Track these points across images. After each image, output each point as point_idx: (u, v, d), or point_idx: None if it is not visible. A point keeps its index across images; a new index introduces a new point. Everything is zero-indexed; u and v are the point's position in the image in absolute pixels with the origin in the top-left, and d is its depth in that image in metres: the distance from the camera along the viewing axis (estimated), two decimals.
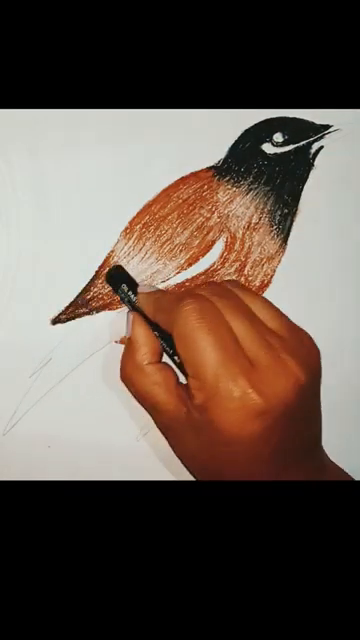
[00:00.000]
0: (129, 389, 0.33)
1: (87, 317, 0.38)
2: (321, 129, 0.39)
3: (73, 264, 0.38)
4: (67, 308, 0.38)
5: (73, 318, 0.38)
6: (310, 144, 0.39)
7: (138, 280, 0.38)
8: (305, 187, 0.39)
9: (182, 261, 0.39)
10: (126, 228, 0.39)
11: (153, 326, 0.33)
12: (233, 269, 0.39)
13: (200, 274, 0.39)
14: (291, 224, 0.39)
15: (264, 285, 0.39)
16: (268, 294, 0.39)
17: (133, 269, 0.38)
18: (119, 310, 0.39)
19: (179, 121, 0.39)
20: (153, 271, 0.38)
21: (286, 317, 0.32)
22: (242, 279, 0.39)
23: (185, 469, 0.37)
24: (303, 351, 0.30)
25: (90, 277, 0.38)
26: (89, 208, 0.39)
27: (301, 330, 0.31)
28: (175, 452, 0.32)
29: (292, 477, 0.30)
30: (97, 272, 0.38)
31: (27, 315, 0.38)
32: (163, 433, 0.32)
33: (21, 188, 0.38)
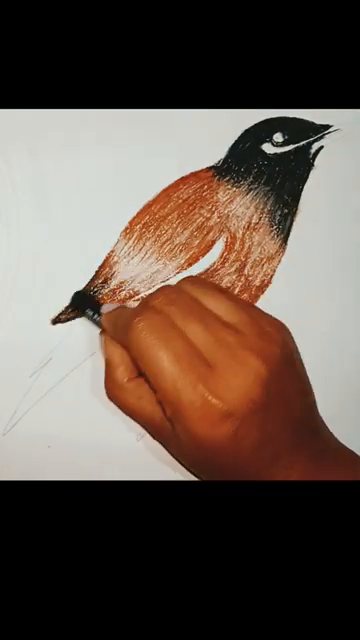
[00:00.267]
0: (117, 406, 0.34)
1: None
2: (321, 129, 0.39)
3: (73, 264, 0.38)
4: (67, 308, 0.38)
5: (73, 318, 0.38)
6: (310, 144, 0.39)
7: (139, 279, 0.38)
8: (305, 187, 0.39)
9: (182, 261, 0.39)
10: (126, 228, 0.39)
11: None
12: (233, 269, 0.39)
13: (200, 274, 0.39)
14: (291, 224, 0.39)
15: (264, 285, 0.39)
16: (268, 294, 0.39)
17: (133, 269, 0.38)
18: None
19: (179, 121, 0.39)
20: (153, 271, 0.38)
21: (246, 307, 0.31)
22: (242, 279, 0.39)
23: (185, 469, 0.37)
24: (263, 341, 0.30)
25: (90, 277, 0.38)
26: (89, 208, 0.39)
27: (263, 316, 0.31)
28: (174, 457, 0.33)
29: (290, 464, 0.30)
30: (97, 272, 0.38)
31: (27, 315, 0.38)
32: (156, 440, 0.33)
33: (21, 188, 0.38)
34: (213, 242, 0.39)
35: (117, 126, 0.39)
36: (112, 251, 0.38)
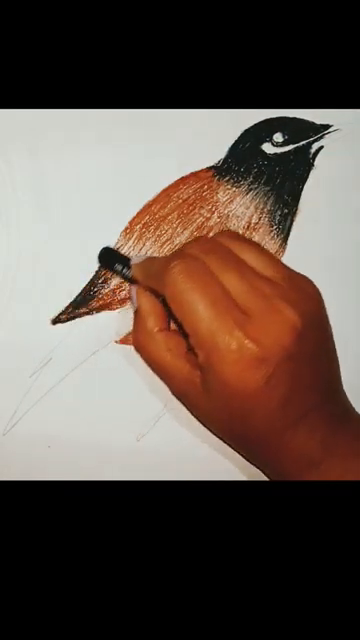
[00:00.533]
0: (142, 357, 0.33)
1: (87, 317, 0.38)
2: (321, 129, 0.39)
3: (73, 264, 0.38)
4: (67, 308, 0.38)
5: (73, 318, 0.38)
6: (310, 144, 0.39)
7: None
8: (305, 187, 0.39)
9: None
10: (126, 228, 0.39)
11: (155, 294, 0.33)
12: None
13: None
14: (291, 224, 0.39)
15: None
16: None
17: None
18: (119, 310, 0.39)
19: (179, 121, 0.39)
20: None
21: (282, 264, 0.32)
22: None
23: (185, 469, 0.37)
24: (299, 296, 0.30)
25: (90, 277, 0.38)
26: (89, 208, 0.39)
27: (298, 276, 0.31)
28: (196, 417, 0.33)
29: (313, 425, 0.30)
30: (97, 272, 0.38)
31: (27, 315, 0.38)
32: (180, 400, 0.33)
33: (21, 188, 0.38)
34: None
35: (117, 126, 0.39)
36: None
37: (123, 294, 0.38)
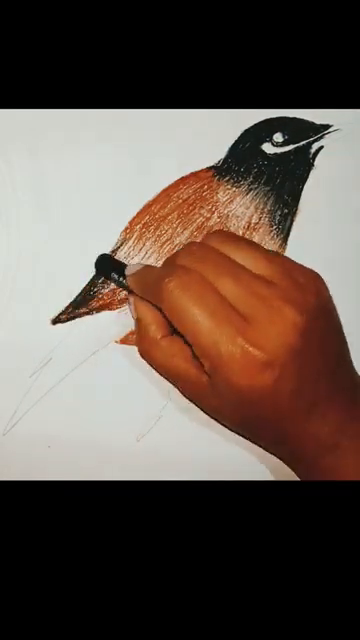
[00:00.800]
0: (150, 365, 0.33)
1: (87, 317, 0.38)
2: (321, 129, 0.39)
3: (73, 264, 0.38)
4: (67, 308, 0.38)
5: (73, 318, 0.38)
6: (310, 144, 0.39)
7: None
8: (305, 187, 0.39)
9: None
10: (126, 228, 0.39)
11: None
12: None
13: None
14: (291, 224, 0.39)
15: None
16: None
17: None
18: (119, 310, 0.39)
19: (179, 121, 0.39)
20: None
21: (277, 258, 0.31)
22: None
23: (185, 469, 0.37)
24: (298, 291, 0.30)
25: (90, 277, 0.38)
26: (89, 208, 0.39)
27: (296, 267, 0.31)
28: (208, 415, 0.33)
29: (325, 413, 0.30)
30: (97, 272, 0.38)
31: (27, 315, 0.38)
32: (192, 401, 0.33)
33: (21, 188, 0.38)
34: None
35: (117, 126, 0.39)
36: (112, 251, 0.38)
37: (123, 294, 0.38)
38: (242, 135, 0.39)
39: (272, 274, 0.30)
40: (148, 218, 0.39)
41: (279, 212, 0.39)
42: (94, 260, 0.38)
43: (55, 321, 0.38)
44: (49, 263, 0.38)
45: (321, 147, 0.39)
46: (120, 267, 0.36)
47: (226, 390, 0.29)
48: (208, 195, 0.39)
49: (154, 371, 0.34)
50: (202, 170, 0.39)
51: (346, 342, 0.32)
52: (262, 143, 0.39)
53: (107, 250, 0.38)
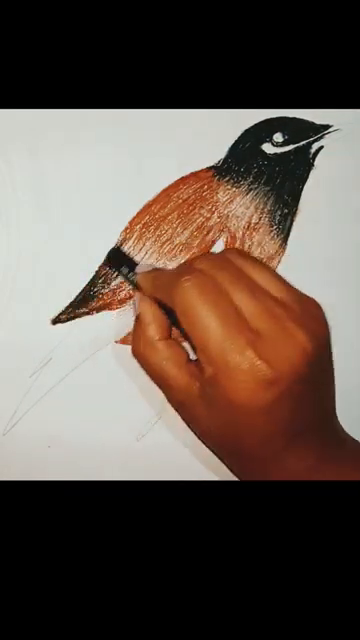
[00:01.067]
0: (141, 365, 0.33)
1: (87, 317, 0.38)
2: (321, 129, 0.39)
3: (73, 264, 0.38)
4: (67, 308, 0.38)
5: (73, 318, 0.38)
6: (310, 144, 0.39)
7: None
8: (305, 187, 0.39)
9: (182, 261, 0.39)
10: (126, 228, 0.39)
11: (158, 303, 0.33)
12: None
13: None
14: (291, 224, 0.39)
15: None
16: None
17: None
18: (119, 310, 0.39)
19: (179, 121, 0.39)
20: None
21: (292, 287, 0.31)
22: None
23: (185, 469, 0.37)
24: (310, 320, 0.30)
25: (90, 277, 0.38)
26: (89, 208, 0.39)
27: (309, 299, 0.31)
28: (190, 428, 0.32)
29: (307, 443, 0.30)
30: (97, 272, 0.38)
31: (27, 315, 0.38)
32: (177, 410, 0.32)
33: (21, 188, 0.38)
34: (213, 242, 0.39)
35: (117, 126, 0.39)
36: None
37: (123, 294, 0.38)
38: (242, 135, 0.39)
39: (287, 297, 0.30)
40: (148, 218, 0.39)
41: (279, 212, 0.39)
42: (94, 260, 0.38)
43: (55, 321, 0.38)
44: (49, 263, 0.38)
45: (321, 147, 0.39)
46: (131, 262, 0.36)
47: (221, 400, 0.29)
48: (208, 195, 0.39)
49: None
50: (202, 170, 0.39)
51: (335, 387, 0.32)
52: (262, 143, 0.39)
53: (105, 251, 0.38)
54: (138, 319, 0.33)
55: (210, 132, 0.39)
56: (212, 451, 0.32)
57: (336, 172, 0.39)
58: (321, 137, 0.39)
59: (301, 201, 0.39)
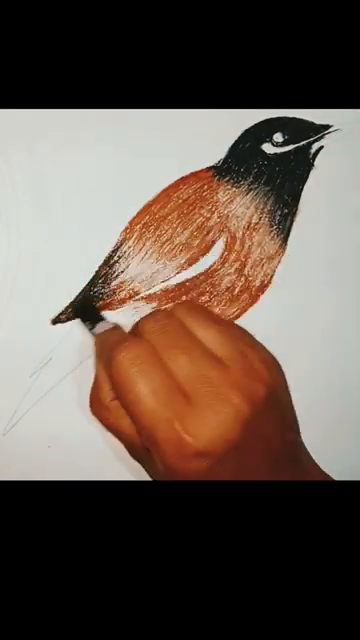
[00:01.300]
0: (100, 423, 0.33)
1: None
2: (321, 129, 0.39)
3: (73, 264, 0.38)
4: (67, 308, 0.38)
5: (73, 318, 0.38)
6: (310, 144, 0.39)
7: (139, 279, 0.38)
8: (305, 187, 0.39)
9: (182, 261, 0.39)
10: (126, 228, 0.39)
11: None
12: (233, 269, 0.39)
13: (200, 274, 0.39)
14: (291, 224, 0.39)
15: (264, 285, 0.39)
16: (268, 294, 0.39)
17: (133, 269, 0.38)
18: (119, 310, 0.39)
19: (179, 121, 0.39)
20: (153, 271, 0.38)
21: (238, 339, 0.30)
22: (242, 279, 0.39)
23: None
24: (248, 378, 0.29)
25: (90, 277, 0.38)
26: (89, 208, 0.39)
27: (255, 350, 0.30)
28: (150, 477, 0.32)
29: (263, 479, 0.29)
30: (97, 272, 0.38)
31: (27, 315, 0.38)
32: (137, 461, 0.33)
33: (21, 188, 0.38)
34: (213, 242, 0.39)
35: (117, 126, 0.39)
36: (112, 251, 0.39)
37: (123, 294, 0.38)
38: (242, 135, 0.39)
39: (228, 355, 0.29)
40: (148, 218, 0.39)
41: (279, 212, 0.39)
42: (94, 260, 0.38)
43: (55, 321, 0.38)
44: (49, 263, 0.38)
45: (321, 147, 0.39)
46: (96, 318, 0.37)
47: (161, 466, 0.29)
48: (208, 195, 0.39)
49: None
50: (202, 170, 0.39)
51: (295, 426, 0.32)
52: (262, 143, 0.39)
53: (105, 251, 0.38)
54: (94, 378, 0.33)
55: (210, 132, 0.39)
56: None
57: (336, 172, 0.39)
58: (321, 137, 0.39)
59: (301, 201, 0.39)
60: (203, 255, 0.39)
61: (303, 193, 0.39)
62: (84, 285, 0.38)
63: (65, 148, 0.39)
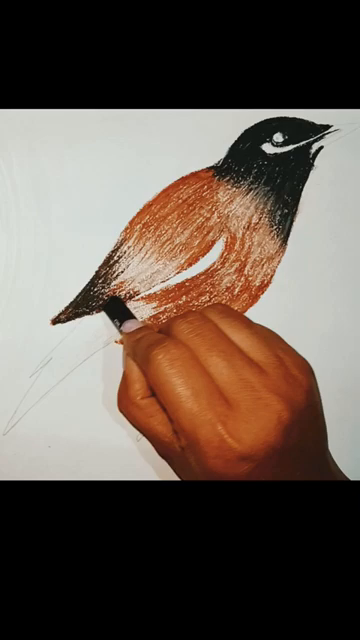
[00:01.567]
0: (127, 420, 0.33)
1: (87, 317, 0.38)
2: (321, 129, 0.39)
3: (73, 264, 0.38)
4: (67, 308, 0.38)
5: (73, 318, 0.38)
6: (310, 144, 0.39)
7: (139, 279, 0.38)
8: (305, 187, 0.39)
9: (182, 261, 0.39)
10: (126, 228, 0.39)
11: None
12: (233, 269, 0.39)
13: (200, 274, 0.39)
14: (291, 224, 0.39)
15: (264, 285, 0.39)
16: (268, 294, 0.39)
17: (133, 269, 0.38)
18: None
19: (179, 121, 0.39)
20: (153, 271, 0.38)
21: (274, 344, 0.30)
22: (242, 279, 0.39)
23: None
24: (288, 386, 0.29)
25: (90, 277, 0.38)
26: (89, 208, 0.39)
27: (290, 356, 0.30)
28: (178, 477, 0.32)
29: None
30: (97, 272, 0.38)
31: (27, 315, 0.38)
32: (164, 459, 0.32)
33: (21, 188, 0.38)
34: (213, 242, 0.39)
35: (117, 126, 0.39)
36: (112, 251, 0.39)
37: (123, 294, 0.38)
38: (242, 135, 0.39)
39: (266, 361, 0.29)
40: (148, 218, 0.39)
41: (279, 212, 0.39)
42: (94, 260, 0.38)
43: (55, 321, 0.38)
44: (49, 263, 0.38)
45: (321, 147, 0.39)
46: (124, 315, 0.36)
47: (198, 467, 0.29)
48: (208, 195, 0.39)
49: None
50: (202, 170, 0.39)
51: (325, 434, 0.32)
52: (262, 143, 0.39)
53: (105, 251, 0.38)
54: (124, 376, 0.33)
55: (210, 132, 0.39)
56: None
57: (336, 172, 0.39)
58: (321, 137, 0.39)
59: (301, 201, 0.39)
60: (203, 255, 0.39)
61: (303, 193, 0.39)
62: (84, 285, 0.38)
63: (65, 148, 0.39)
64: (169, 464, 0.32)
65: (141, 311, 0.38)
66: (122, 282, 0.38)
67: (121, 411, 0.33)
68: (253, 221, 0.39)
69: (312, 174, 0.39)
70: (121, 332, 0.36)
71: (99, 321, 0.38)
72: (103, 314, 0.38)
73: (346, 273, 0.39)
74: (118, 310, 0.37)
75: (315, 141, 0.39)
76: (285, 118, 0.39)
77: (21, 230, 0.38)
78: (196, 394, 0.28)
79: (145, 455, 0.38)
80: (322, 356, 0.39)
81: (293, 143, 0.39)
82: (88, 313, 0.38)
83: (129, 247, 0.38)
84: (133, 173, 0.39)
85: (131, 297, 0.38)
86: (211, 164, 0.39)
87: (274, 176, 0.39)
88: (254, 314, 0.39)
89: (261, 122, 0.39)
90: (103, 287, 0.38)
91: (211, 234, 0.39)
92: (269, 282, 0.39)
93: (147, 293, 0.39)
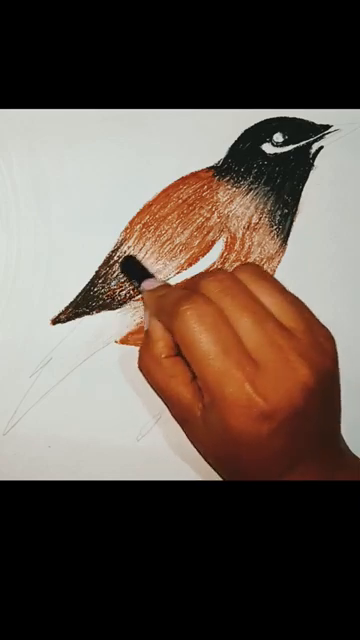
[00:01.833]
0: (147, 380, 0.32)
1: (87, 317, 0.38)
2: (321, 129, 0.39)
3: (73, 264, 0.38)
4: (67, 308, 0.38)
5: (73, 318, 0.38)
6: (310, 144, 0.39)
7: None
8: (305, 187, 0.39)
9: (182, 261, 0.39)
10: (126, 228, 0.39)
11: None
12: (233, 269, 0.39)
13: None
14: (291, 224, 0.39)
15: None
16: None
17: None
18: (119, 310, 0.39)
19: (179, 121, 0.39)
20: (153, 271, 0.38)
21: (302, 311, 0.30)
22: None
23: (185, 469, 0.37)
24: (316, 353, 0.29)
25: (90, 277, 0.38)
26: (89, 208, 0.39)
27: (320, 329, 0.30)
28: (192, 444, 0.32)
29: (307, 466, 0.30)
30: (97, 272, 0.38)
31: (27, 315, 0.38)
32: (179, 424, 0.32)
33: (21, 188, 0.38)
34: (213, 242, 0.39)
35: (117, 126, 0.39)
36: (112, 251, 0.39)
37: (123, 294, 0.38)
38: (242, 135, 0.39)
39: (296, 326, 0.29)
40: (148, 218, 0.39)
41: (279, 212, 0.39)
42: (94, 260, 0.38)
43: (55, 321, 0.38)
44: (49, 263, 0.38)
45: (321, 147, 0.39)
46: (143, 274, 0.36)
47: (218, 426, 0.29)
48: (208, 195, 0.39)
49: None
50: (202, 170, 0.39)
51: (340, 408, 0.32)
52: (262, 143, 0.39)
53: (105, 251, 0.38)
54: (146, 334, 0.33)
55: (210, 132, 0.39)
56: (212, 467, 0.32)
57: (336, 172, 0.39)
58: (321, 137, 0.39)
59: (301, 201, 0.39)
60: (203, 255, 0.39)
61: (303, 193, 0.39)
62: (84, 285, 0.38)
63: (65, 148, 0.39)
64: (182, 427, 0.32)
65: (141, 311, 0.38)
66: (122, 282, 0.38)
67: (141, 370, 0.32)
68: (253, 221, 0.39)
69: (312, 174, 0.39)
70: (141, 291, 0.35)
71: (99, 321, 0.38)
72: (103, 314, 0.38)
73: (346, 273, 0.39)
74: (135, 268, 0.37)
75: (315, 141, 0.39)
76: (285, 118, 0.39)
77: (21, 230, 0.38)
78: (225, 352, 0.28)
79: (145, 455, 0.38)
80: None
81: (293, 143, 0.39)
82: (88, 313, 0.38)
83: (129, 247, 0.38)
84: (133, 173, 0.39)
85: (131, 297, 0.38)
86: (211, 164, 0.39)
87: (274, 176, 0.39)
88: None
89: (261, 122, 0.39)
90: (103, 287, 0.38)
91: (211, 234, 0.39)
92: None
93: None
